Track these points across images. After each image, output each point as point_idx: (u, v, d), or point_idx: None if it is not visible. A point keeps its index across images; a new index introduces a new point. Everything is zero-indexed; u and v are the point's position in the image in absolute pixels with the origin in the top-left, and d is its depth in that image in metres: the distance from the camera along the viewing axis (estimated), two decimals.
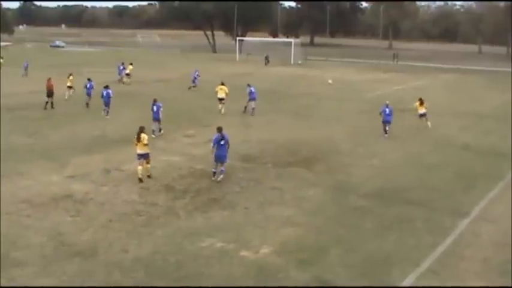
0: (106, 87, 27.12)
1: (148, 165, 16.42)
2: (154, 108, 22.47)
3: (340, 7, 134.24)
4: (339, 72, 52.20)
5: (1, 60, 49.63)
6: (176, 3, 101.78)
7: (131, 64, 43.30)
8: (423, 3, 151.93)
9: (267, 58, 66.99)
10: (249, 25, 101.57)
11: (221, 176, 16.26)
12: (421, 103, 25.36)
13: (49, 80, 29.62)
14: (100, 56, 74.85)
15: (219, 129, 16.23)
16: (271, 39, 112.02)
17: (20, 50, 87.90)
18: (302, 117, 28.23)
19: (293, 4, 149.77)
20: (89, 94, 29.23)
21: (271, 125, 25.41)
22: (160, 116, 22.49)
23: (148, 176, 16.36)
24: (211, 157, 16.46)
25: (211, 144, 16.36)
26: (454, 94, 39.78)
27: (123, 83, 40.93)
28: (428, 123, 25.18)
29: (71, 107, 29.69)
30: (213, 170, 16.38)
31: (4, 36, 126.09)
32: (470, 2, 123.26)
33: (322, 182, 16.47)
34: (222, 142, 16.11)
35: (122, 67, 42.94)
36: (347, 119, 27.83)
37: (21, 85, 38.59)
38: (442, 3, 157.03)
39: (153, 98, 23.57)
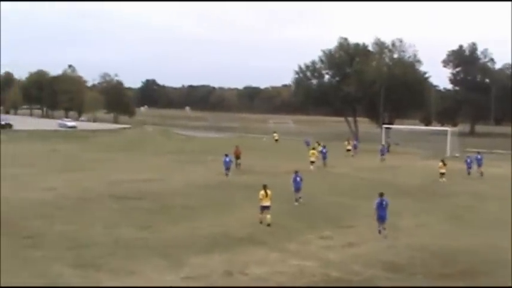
0: (226, 155, 40.69)
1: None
2: (298, 179, 29.87)
3: (507, 88, 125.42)
4: (504, 168, 50.07)
5: None
6: (314, 85, 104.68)
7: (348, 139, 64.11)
8: None
9: (387, 144, 68.50)
10: (398, 111, 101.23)
11: (385, 232, 22.47)
12: (444, 164, 41.08)
13: (237, 147, 46.35)
14: (227, 143, 78.30)
15: (381, 195, 22.95)
16: (422, 127, 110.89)
17: (140, 133, 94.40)
18: (459, 220, 27.49)
19: (449, 86, 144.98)
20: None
21: (421, 228, 25.06)
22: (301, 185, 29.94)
23: (268, 225, 23.66)
24: (374, 216, 22.89)
25: (374, 207, 22.89)
26: None
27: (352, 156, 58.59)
28: (444, 179, 40.20)
29: (190, 198, 31.33)
30: (379, 228, 22.77)
31: (124, 118, 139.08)
32: None
33: None
34: (384, 204, 22.68)
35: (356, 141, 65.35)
36: None
37: (132, 172, 41.70)
38: None
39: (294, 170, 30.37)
